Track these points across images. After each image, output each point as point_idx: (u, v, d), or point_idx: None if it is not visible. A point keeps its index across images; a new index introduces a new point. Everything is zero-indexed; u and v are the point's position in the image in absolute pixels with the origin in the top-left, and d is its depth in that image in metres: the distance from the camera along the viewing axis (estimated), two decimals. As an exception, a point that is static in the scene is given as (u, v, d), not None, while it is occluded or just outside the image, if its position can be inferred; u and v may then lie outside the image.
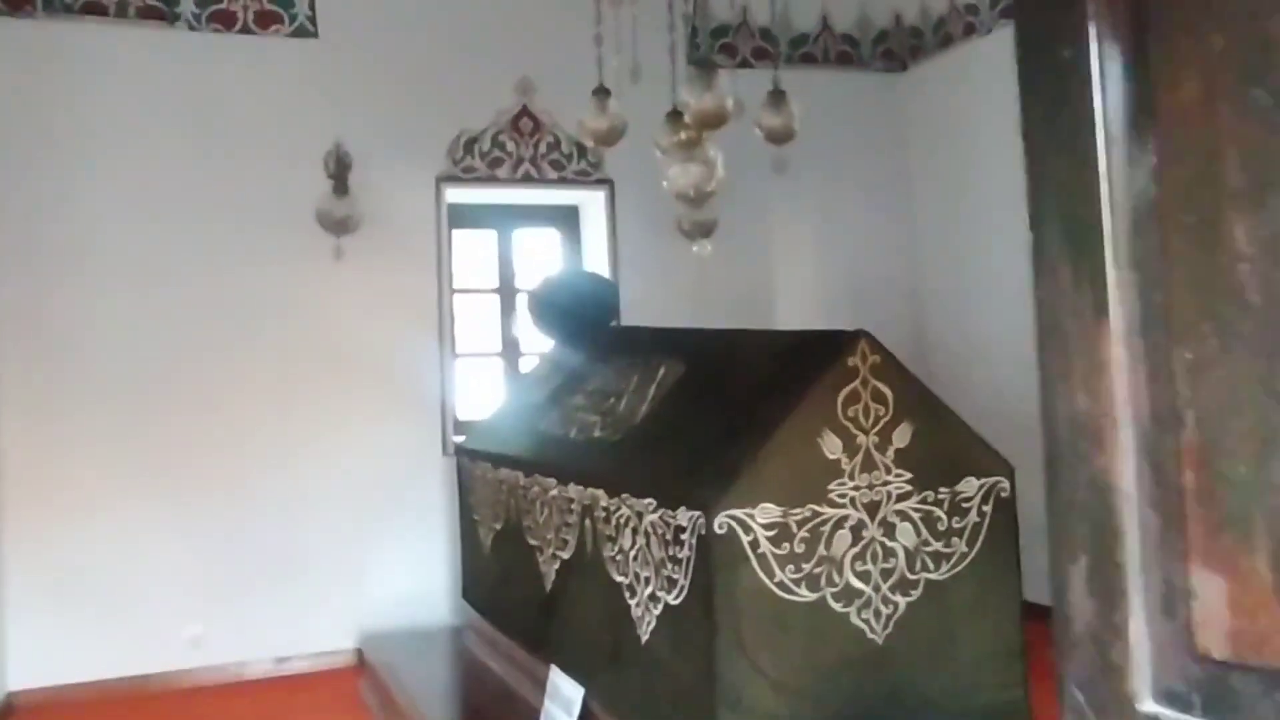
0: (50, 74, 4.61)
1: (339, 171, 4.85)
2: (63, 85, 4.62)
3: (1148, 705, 0.88)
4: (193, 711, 4.40)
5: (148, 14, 4.77)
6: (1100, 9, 0.90)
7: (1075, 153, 0.92)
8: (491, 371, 5.51)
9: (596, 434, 3.25)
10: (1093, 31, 0.90)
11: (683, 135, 3.35)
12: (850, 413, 2.53)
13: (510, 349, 5.50)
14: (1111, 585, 0.92)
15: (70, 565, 4.52)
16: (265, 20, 4.92)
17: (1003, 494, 2.73)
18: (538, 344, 5.09)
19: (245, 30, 4.89)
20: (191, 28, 4.82)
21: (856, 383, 2.54)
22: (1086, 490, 0.92)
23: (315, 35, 4.96)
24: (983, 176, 5.41)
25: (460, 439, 4.82)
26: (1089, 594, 0.94)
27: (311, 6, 4.96)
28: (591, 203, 5.51)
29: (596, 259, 5.46)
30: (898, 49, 5.97)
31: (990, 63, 5.35)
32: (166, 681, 4.58)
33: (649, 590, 2.68)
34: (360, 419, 4.91)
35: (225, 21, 4.87)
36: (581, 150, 5.23)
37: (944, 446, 2.67)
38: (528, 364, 5.37)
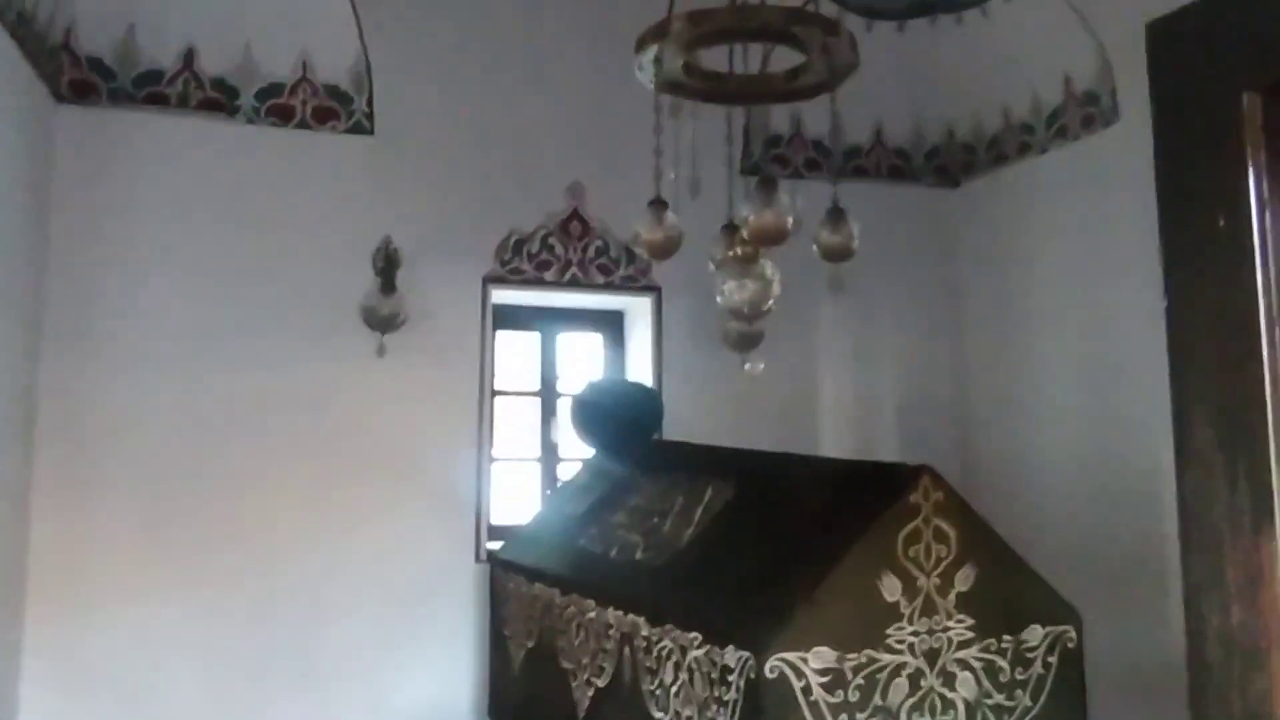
0: (110, 162, 4.64)
1: (387, 268, 4.83)
2: (122, 174, 4.65)
3: None
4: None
5: (208, 105, 4.82)
6: (1264, 169, 0.80)
7: (1232, 332, 0.81)
8: (529, 476, 5.40)
9: (638, 556, 3.12)
10: (1254, 195, 0.80)
11: (739, 250, 3.28)
12: (911, 553, 2.40)
13: (549, 454, 5.39)
14: (1275, 838, 0.78)
15: (89, 658, 4.39)
16: (323, 116, 4.96)
17: (1069, 644, 2.58)
18: (577, 450, 4.99)
19: (303, 125, 4.93)
20: (250, 121, 4.86)
21: (918, 521, 2.42)
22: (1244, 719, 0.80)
23: (371, 132, 4.99)
24: (1035, 297, 5.31)
25: (494, 545, 4.70)
26: (1245, 845, 0.81)
27: (369, 104, 4.99)
28: (637, 308, 5.45)
29: (640, 365, 5.38)
30: (950, 165, 5.93)
31: (1044, 183, 5.28)
32: (177, 786, 4.42)
33: (690, 731, 2.52)
34: (393, 520, 4.80)
35: (283, 115, 4.91)
36: (630, 255, 5.20)
37: (1008, 591, 2.52)
38: (567, 470, 5.26)
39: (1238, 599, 0.80)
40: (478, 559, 4.85)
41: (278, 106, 4.90)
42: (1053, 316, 5.18)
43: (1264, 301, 0.80)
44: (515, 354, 5.43)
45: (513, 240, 5.12)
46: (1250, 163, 0.80)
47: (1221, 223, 0.82)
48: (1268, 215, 0.82)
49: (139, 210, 4.65)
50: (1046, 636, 2.54)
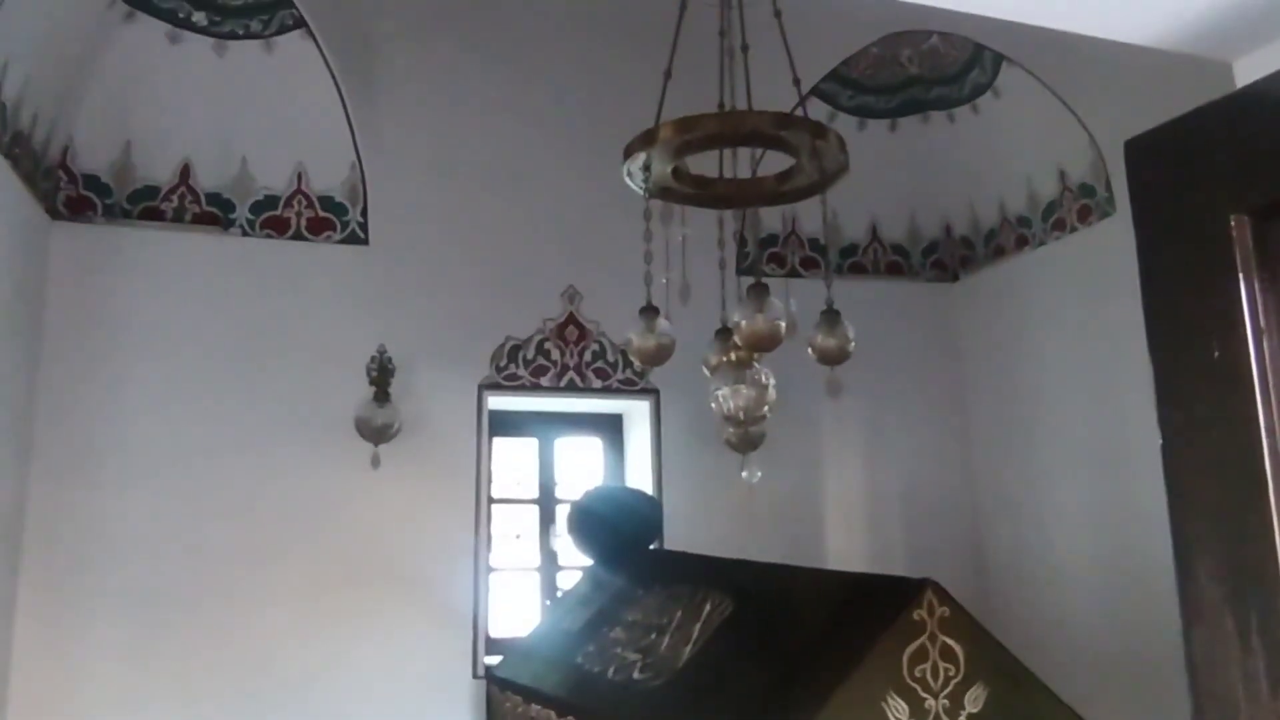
0: (105, 278, 4.63)
1: (381, 378, 4.77)
2: (116, 289, 4.64)
3: None
4: None
5: (203, 219, 4.83)
6: (1258, 296, 0.73)
7: (1236, 473, 0.73)
8: (528, 586, 5.26)
9: (636, 675, 2.99)
10: (1249, 324, 0.73)
11: (733, 356, 3.22)
12: (918, 672, 2.28)
13: (549, 563, 5.27)
14: None
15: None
16: (317, 227, 4.96)
17: (1090, 766, 2.44)
18: (577, 559, 4.87)
19: (298, 236, 4.93)
20: (245, 234, 4.87)
21: (924, 638, 2.30)
22: None
23: (366, 242, 4.99)
24: (1040, 390, 5.23)
25: (492, 660, 4.56)
26: None
27: (364, 214, 5.00)
28: (636, 412, 5.38)
29: (640, 469, 5.29)
30: (948, 260, 5.90)
31: (1044, 276, 5.25)
32: None
33: None
34: (389, 635, 4.67)
35: (278, 228, 4.91)
36: (627, 359, 5.14)
37: (1022, 711, 2.39)
38: (567, 579, 5.13)
39: (1260, 777, 0.71)
40: (475, 674, 4.69)
41: (273, 219, 4.91)
42: (1058, 409, 5.09)
43: (1267, 441, 0.72)
44: (513, 461, 5.33)
45: (508, 346, 5.08)
46: (1243, 289, 0.73)
47: (1216, 354, 0.75)
48: (1265, 345, 0.74)
49: (133, 325, 4.63)
50: (1065, 758, 2.41)
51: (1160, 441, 0.81)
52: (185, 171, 4.82)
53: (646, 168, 3.20)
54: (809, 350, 3.30)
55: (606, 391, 5.21)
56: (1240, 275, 0.72)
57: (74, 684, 4.31)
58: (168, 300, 4.69)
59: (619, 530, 4.14)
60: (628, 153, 3.17)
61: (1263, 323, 0.74)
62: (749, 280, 3.18)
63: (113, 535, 4.45)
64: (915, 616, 2.31)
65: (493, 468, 5.09)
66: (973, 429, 5.69)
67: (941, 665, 2.31)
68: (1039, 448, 5.21)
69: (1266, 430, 0.72)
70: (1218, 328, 0.75)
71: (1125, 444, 4.55)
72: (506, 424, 5.23)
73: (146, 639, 4.42)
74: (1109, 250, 4.68)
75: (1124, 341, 4.55)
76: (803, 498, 5.34)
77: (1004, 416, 5.48)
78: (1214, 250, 0.72)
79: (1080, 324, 4.95)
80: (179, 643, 4.44)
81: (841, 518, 5.43)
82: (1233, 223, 0.71)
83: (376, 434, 4.70)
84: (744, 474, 3.59)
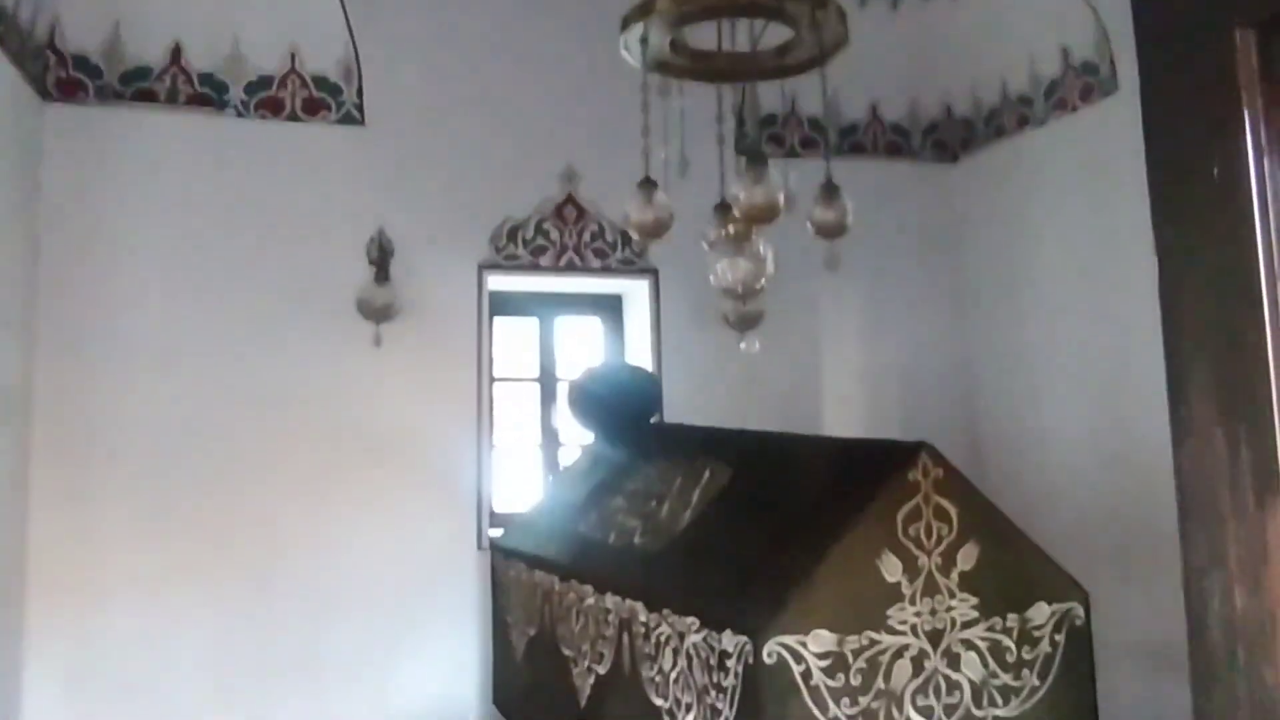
0: (100, 160, 4.59)
1: (381, 259, 4.78)
2: (111, 171, 4.60)
3: None
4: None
5: (197, 100, 4.76)
6: (1261, 113, 0.74)
7: (1229, 292, 0.76)
8: (530, 462, 5.36)
9: (636, 540, 3.07)
10: (1251, 143, 0.74)
11: (731, 229, 3.22)
12: (911, 531, 2.35)
13: (550, 440, 5.35)
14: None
15: (90, 656, 4.37)
16: (313, 108, 4.90)
17: (1077, 621, 2.53)
18: (578, 435, 4.95)
19: (293, 117, 4.87)
20: (239, 115, 4.81)
21: (918, 499, 2.37)
22: (1250, 710, 0.74)
23: (362, 123, 4.93)
24: (1038, 270, 5.25)
25: (496, 533, 4.67)
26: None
27: (359, 94, 4.94)
28: (635, 292, 5.40)
29: (639, 349, 5.33)
30: (949, 140, 5.85)
31: (1044, 155, 5.21)
32: (182, 782, 4.40)
33: (690, 718, 2.48)
34: (394, 510, 4.77)
35: (273, 109, 4.85)
36: (625, 239, 5.14)
37: (1012, 569, 2.47)
38: (567, 455, 5.22)
39: (1241, 580, 0.75)
40: (480, 547, 4.81)
41: (267, 100, 4.85)
42: (1056, 288, 5.12)
43: (1264, 258, 0.74)
44: (513, 340, 5.38)
45: (507, 227, 5.07)
46: (1245, 107, 0.74)
47: (1216, 173, 0.76)
48: (1266, 164, 0.75)
49: (130, 207, 4.61)
50: (1053, 615, 2.49)
51: (1156, 265, 0.83)
52: (176, 52, 4.74)
53: (644, 40, 3.15)
54: (808, 225, 3.30)
55: (605, 271, 5.22)
56: (1243, 92, 0.72)
57: (91, 563, 4.41)
58: (165, 181, 4.66)
59: (619, 407, 4.19)
60: (625, 25, 3.12)
61: (1264, 140, 0.75)
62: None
63: (118, 416, 4.51)
64: (910, 477, 2.37)
65: (494, 347, 5.13)
66: (970, 306, 5.72)
67: (935, 524, 2.38)
68: (1036, 325, 5.25)
69: (1263, 248, 0.74)
70: (1218, 145, 0.76)
71: (1122, 320, 4.58)
72: (507, 304, 5.25)
73: (156, 518, 4.50)
74: (1111, 129, 4.64)
75: (1124, 220, 4.55)
76: (801, 374, 5.39)
77: (1003, 295, 5.50)
78: (1217, 67, 0.72)
79: (1080, 202, 4.94)
80: (188, 521, 4.53)
81: (839, 392, 5.49)
82: (1237, 37, 0.71)
83: (378, 314, 4.73)
84: (742, 345, 3.63)
